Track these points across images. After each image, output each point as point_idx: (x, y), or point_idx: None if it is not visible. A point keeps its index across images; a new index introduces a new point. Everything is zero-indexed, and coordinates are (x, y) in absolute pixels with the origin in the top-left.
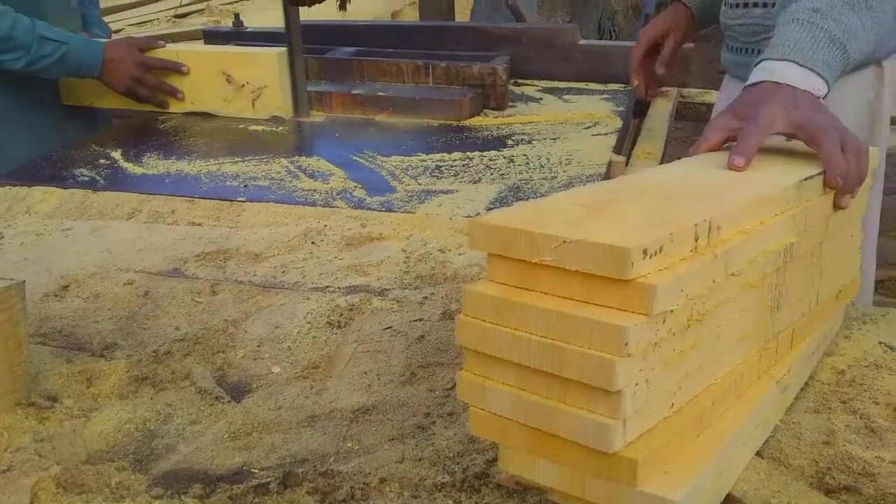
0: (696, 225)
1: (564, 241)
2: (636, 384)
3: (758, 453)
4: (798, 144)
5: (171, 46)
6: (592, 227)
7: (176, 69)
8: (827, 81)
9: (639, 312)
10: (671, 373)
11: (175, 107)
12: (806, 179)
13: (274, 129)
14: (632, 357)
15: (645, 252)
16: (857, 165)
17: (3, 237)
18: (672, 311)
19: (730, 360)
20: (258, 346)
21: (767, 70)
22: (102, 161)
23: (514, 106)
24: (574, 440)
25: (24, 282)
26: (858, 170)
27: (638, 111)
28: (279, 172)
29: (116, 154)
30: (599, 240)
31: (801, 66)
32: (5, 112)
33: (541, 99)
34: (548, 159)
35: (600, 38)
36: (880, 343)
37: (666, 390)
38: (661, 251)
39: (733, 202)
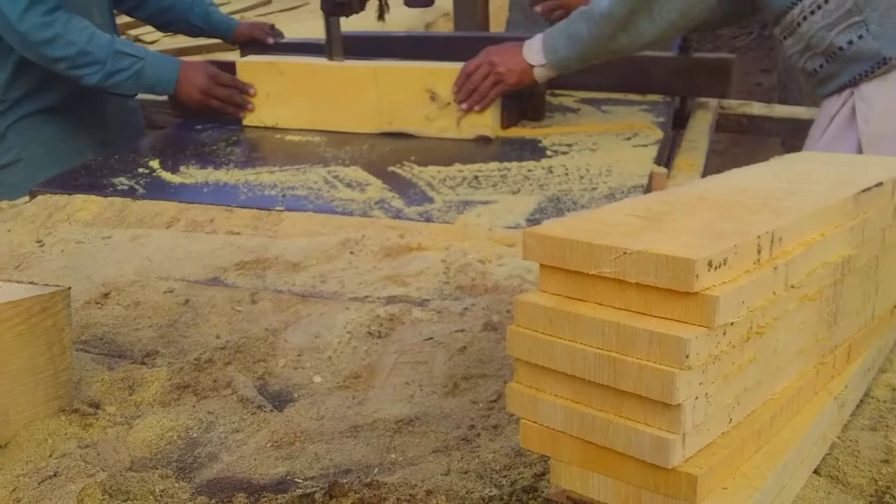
0: (759, 237)
1: (625, 253)
2: (696, 398)
3: (815, 471)
4: (853, 156)
5: (367, 63)
6: (652, 238)
7: (244, 90)
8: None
9: (699, 325)
10: (730, 387)
11: (368, 127)
12: (863, 191)
13: (310, 139)
14: (692, 370)
15: (710, 264)
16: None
17: (43, 245)
18: (732, 324)
19: (788, 374)
20: (299, 356)
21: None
22: (141, 170)
23: (551, 116)
24: (630, 454)
25: (70, 288)
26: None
27: (678, 122)
28: (316, 182)
29: (155, 163)
30: (663, 251)
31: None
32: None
33: (578, 110)
34: (587, 170)
35: None
36: None
37: (725, 405)
38: (725, 263)
39: (794, 214)
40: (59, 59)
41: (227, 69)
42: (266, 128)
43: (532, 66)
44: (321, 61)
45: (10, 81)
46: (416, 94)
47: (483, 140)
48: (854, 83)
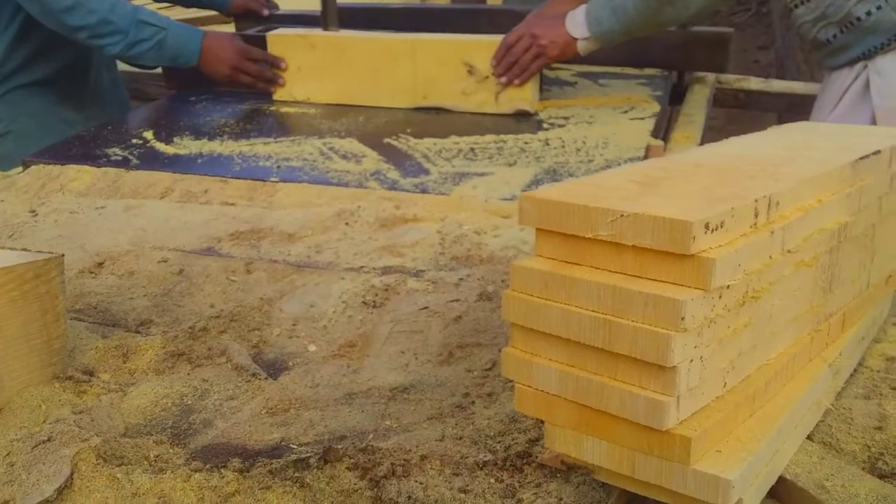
0: (756, 201)
1: (622, 215)
2: (691, 361)
3: (808, 437)
4: (851, 126)
5: (403, 36)
6: (649, 201)
7: (276, 64)
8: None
9: (695, 287)
10: (725, 351)
11: (402, 101)
12: (861, 159)
13: (306, 111)
14: (687, 332)
15: (707, 226)
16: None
17: (37, 215)
18: (728, 287)
19: (782, 340)
20: (294, 325)
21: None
22: (135, 141)
23: (548, 90)
24: (625, 417)
25: (63, 255)
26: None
27: (675, 97)
28: (311, 153)
29: (148, 134)
30: (660, 213)
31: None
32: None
33: (575, 83)
34: (584, 142)
35: None
36: None
37: (719, 368)
38: (722, 226)
39: (792, 179)
40: (80, 28)
41: (253, 43)
42: (273, 100)
43: (575, 39)
44: (355, 34)
45: (5, 54)
46: (452, 68)
47: (522, 114)
48: (869, 55)
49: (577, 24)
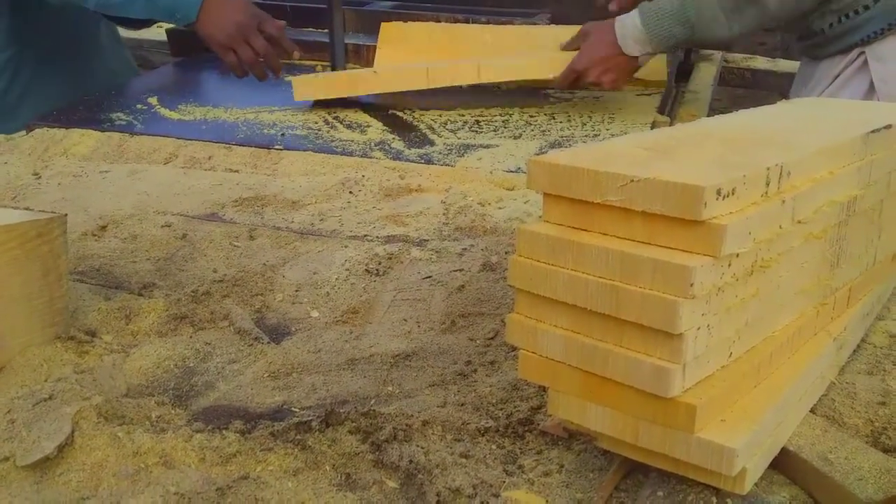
0: (768, 169)
1: (632, 181)
2: (698, 328)
3: (812, 411)
4: (862, 102)
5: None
6: (660, 167)
7: (288, 50)
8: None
9: (705, 254)
10: (732, 320)
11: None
12: (872, 132)
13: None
14: (696, 299)
15: (718, 192)
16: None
17: (40, 177)
18: (738, 256)
19: (789, 312)
20: (296, 291)
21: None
22: (139, 106)
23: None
24: (630, 384)
25: (66, 215)
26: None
27: (681, 75)
28: (316, 122)
29: (153, 100)
30: (671, 178)
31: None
32: (44, 56)
33: None
34: (590, 117)
35: None
36: None
37: (726, 338)
38: (733, 193)
39: (803, 150)
40: None
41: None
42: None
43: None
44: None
45: (10, 26)
46: None
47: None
48: (866, 42)
49: (633, 43)
